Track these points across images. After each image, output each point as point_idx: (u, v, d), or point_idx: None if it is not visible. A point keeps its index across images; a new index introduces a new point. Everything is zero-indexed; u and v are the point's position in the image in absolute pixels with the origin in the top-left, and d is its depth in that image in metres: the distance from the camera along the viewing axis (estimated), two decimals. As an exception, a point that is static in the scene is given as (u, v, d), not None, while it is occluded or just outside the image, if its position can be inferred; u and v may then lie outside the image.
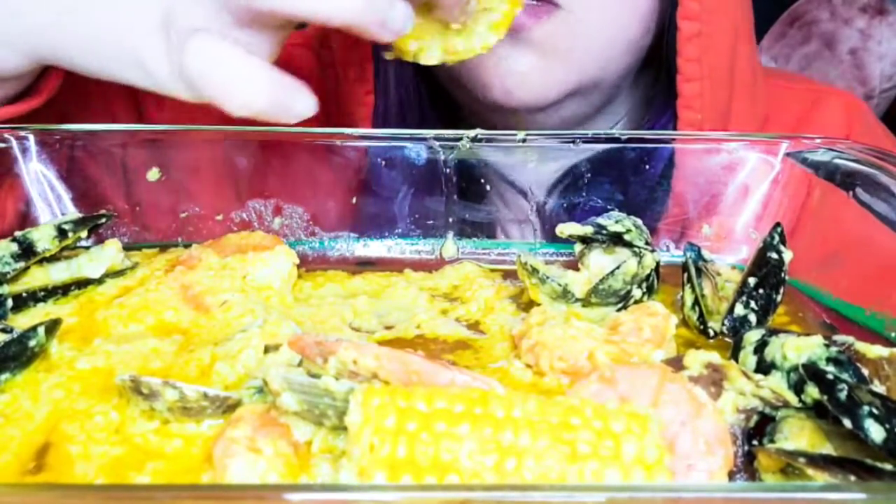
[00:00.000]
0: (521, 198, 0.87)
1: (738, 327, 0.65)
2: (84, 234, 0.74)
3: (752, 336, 0.60)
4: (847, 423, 0.47)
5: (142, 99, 0.99)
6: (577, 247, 0.74)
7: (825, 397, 0.49)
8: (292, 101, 0.62)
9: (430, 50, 0.72)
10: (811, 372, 0.52)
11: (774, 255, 0.69)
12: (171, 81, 0.64)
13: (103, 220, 0.76)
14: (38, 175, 0.79)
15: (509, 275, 0.76)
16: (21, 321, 0.65)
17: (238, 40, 0.63)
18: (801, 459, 0.46)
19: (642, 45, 0.96)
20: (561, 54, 0.89)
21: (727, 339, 0.65)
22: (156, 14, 0.64)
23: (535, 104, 0.91)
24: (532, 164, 0.82)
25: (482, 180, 0.88)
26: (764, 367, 0.58)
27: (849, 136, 0.99)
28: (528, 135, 0.79)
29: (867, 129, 1.07)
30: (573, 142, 0.80)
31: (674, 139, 0.84)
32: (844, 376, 0.52)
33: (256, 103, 0.60)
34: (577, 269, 0.72)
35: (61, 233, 0.72)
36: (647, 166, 0.81)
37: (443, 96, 1.04)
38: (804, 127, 1.03)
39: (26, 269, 0.70)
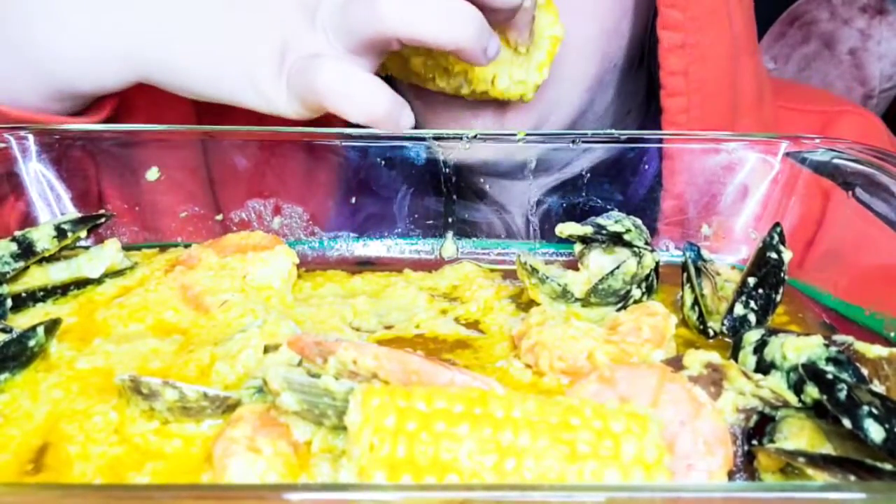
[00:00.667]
0: (517, 218, 0.87)
1: (738, 327, 0.65)
2: (83, 233, 0.74)
3: (752, 336, 0.60)
4: (847, 422, 0.47)
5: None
6: (577, 247, 0.74)
7: (825, 397, 0.49)
8: (399, 115, 0.73)
9: (500, 77, 0.82)
10: (811, 372, 0.52)
11: (774, 255, 0.69)
12: (281, 99, 0.73)
13: (103, 219, 0.76)
14: (37, 175, 0.79)
15: (509, 275, 0.76)
16: (20, 321, 0.65)
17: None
18: (801, 459, 0.46)
19: (609, 52, 0.91)
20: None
21: (727, 339, 0.65)
22: (274, 42, 0.73)
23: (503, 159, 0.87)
24: (530, 174, 0.82)
25: (482, 180, 0.88)
26: (763, 367, 0.58)
27: None
28: (528, 134, 0.79)
29: (881, 147, 1.05)
30: (573, 141, 0.80)
31: (673, 139, 0.84)
32: (844, 376, 0.52)
33: (376, 113, 0.71)
34: (577, 269, 0.72)
35: (61, 232, 0.72)
36: (647, 166, 0.81)
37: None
38: None
39: (26, 268, 0.70)
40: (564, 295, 0.68)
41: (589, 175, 0.81)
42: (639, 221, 0.73)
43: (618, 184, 0.82)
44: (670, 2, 0.85)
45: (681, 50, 0.86)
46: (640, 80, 0.99)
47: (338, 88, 0.70)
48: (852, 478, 0.44)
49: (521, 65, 0.82)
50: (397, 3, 0.70)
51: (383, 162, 0.82)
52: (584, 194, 0.82)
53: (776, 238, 0.70)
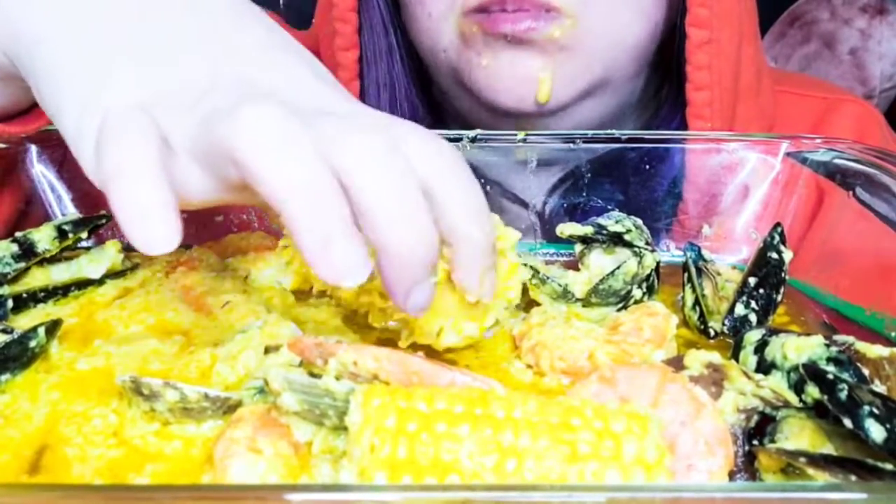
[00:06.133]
0: (521, 208, 0.87)
1: (739, 327, 0.65)
2: (84, 234, 0.74)
3: (753, 336, 0.60)
4: (847, 422, 0.47)
5: None
6: (578, 247, 0.74)
7: (825, 397, 0.49)
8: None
9: (447, 332, 0.59)
10: (811, 372, 0.52)
11: (774, 255, 0.69)
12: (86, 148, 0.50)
13: (104, 220, 0.76)
14: (38, 176, 0.79)
15: (509, 275, 0.75)
16: (21, 322, 0.65)
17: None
18: (802, 459, 0.46)
19: (649, 49, 0.94)
20: (568, 54, 0.87)
21: (728, 339, 0.65)
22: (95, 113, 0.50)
23: (548, 107, 0.89)
24: (531, 172, 0.82)
25: (482, 180, 0.87)
26: (764, 367, 0.58)
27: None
28: (528, 135, 0.79)
29: (880, 139, 1.06)
30: (573, 142, 0.80)
31: (674, 139, 0.84)
32: (845, 376, 0.52)
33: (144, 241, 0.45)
34: (578, 270, 0.72)
35: (62, 233, 0.72)
36: (648, 166, 0.81)
37: (440, 110, 1.03)
38: None
39: (27, 269, 0.70)
40: (565, 295, 0.68)
41: (590, 176, 0.81)
42: (639, 221, 0.73)
43: (619, 184, 0.82)
44: (700, 1, 0.88)
45: (707, 45, 0.89)
46: (658, 78, 1.01)
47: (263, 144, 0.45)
48: (853, 478, 0.44)
49: (472, 316, 0.59)
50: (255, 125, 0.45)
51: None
52: (584, 195, 0.82)
53: (777, 238, 0.70)
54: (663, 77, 0.99)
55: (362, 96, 0.97)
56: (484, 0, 0.84)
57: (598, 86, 0.92)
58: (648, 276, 0.70)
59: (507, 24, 0.84)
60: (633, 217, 0.73)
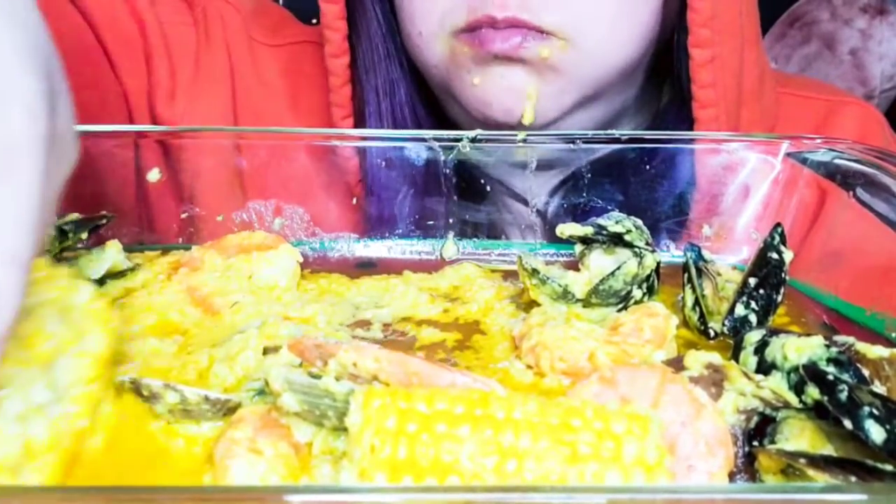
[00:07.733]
0: (522, 205, 0.87)
1: (739, 328, 0.65)
2: (84, 234, 0.74)
3: (753, 336, 0.60)
4: (847, 423, 0.47)
5: (152, 95, 0.99)
6: (578, 247, 0.74)
7: (825, 398, 0.49)
8: None
9: None
10: (811, 372, 0.52)
11: (775, 256, 0.69)
12: None
13: (104, 221, 0.76)
14: (38, 176, 0.79)
15: (509, 275, 0.76)
16: (21, 322, 0.65)
17: None
18: (802, 460, 0.46)
19: (642, 63, 0.94)
20: (556, 74, 0.86)
21: (728, 340, 0.65)
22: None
23: (537, 122, 0.88)
24: (532, 173, 0.82)
25: (482, 181, 0.88)
26: (764, 368, 0.58)
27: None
28: (528, 135, 0.79)
29: (882, 141, 1.06)
30: (573, 142, 0.80)
31: (674, 140, 0.83)
32: (845, 377, 0.52)
33: None
34: (578, 270, 0.72)
35: (61, 234, 0.72)
36: (648, 167, 0.81)
37: (440, 117, 1.03)
38: None
39: (26, 270, 0.69)
40: (565, 296, 0.68)
41: (591, 176, 0.81)
42: (639, 222, 0.73)
43: (619, 185, 0.82)
44: (702, 22, 0.87)
45: (710, 64, 0.89)
46: (654, 90, 1.01)
47: None
48: (853, 479, 0.44)
49: None
50: None
51: (384, 162, 0.82)
52: (585, 195, 0.82)
53: (777, 238, 0.70)
54: (661, 77, 0.99)
55: (360, 104, 0.97)
56: (472, 20, 0.84)
57: (587, 101, 0.92)
58: (648, 276, 0.70)
59: (497, 43, 0.84)
60: (633, 217, 0.73)
